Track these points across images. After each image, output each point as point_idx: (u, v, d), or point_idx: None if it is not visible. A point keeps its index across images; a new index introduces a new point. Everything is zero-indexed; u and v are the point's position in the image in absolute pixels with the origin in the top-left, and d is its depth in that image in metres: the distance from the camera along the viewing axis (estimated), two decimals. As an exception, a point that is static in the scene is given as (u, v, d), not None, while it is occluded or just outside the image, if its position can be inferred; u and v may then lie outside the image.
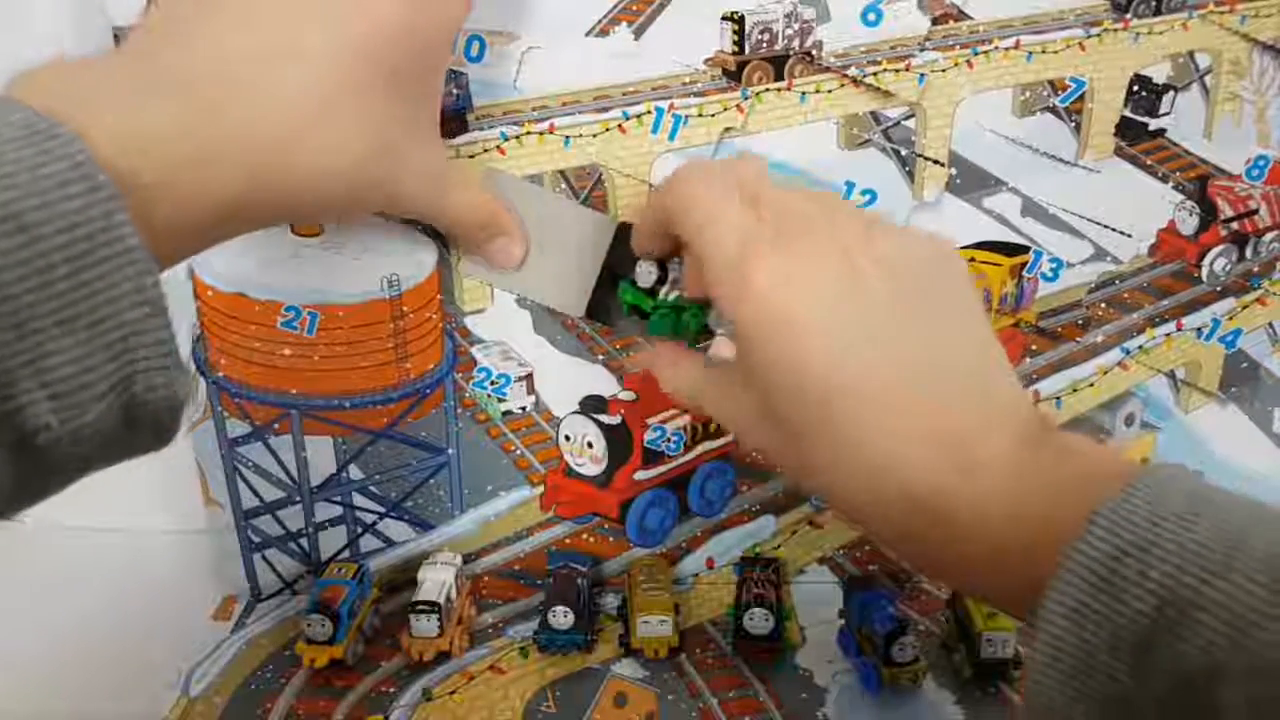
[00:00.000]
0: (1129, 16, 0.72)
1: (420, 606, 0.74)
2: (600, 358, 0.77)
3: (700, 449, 0.80)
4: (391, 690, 0.73)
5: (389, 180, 0.49)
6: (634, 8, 0.70)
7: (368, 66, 0.45)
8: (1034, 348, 0.79)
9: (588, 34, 0.70)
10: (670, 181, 0.52)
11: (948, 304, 0.46)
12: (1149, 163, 0.75)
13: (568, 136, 0.70)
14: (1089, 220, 0.76)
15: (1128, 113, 0.74)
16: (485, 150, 0.70)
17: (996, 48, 0.72)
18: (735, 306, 0.45)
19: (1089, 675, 0.37)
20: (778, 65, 0.71)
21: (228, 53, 0.42)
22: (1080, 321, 0.79)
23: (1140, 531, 0.36)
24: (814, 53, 0.71)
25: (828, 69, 0.71)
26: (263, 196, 0.43)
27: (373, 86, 0.45)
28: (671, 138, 0.71)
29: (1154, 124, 0.75)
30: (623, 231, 0.64)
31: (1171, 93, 0.74)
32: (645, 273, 0.57)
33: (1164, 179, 0.76)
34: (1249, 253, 0.78)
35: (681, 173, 0.52)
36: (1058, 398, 0.80)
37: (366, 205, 0.51)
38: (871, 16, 0.70)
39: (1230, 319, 0.79)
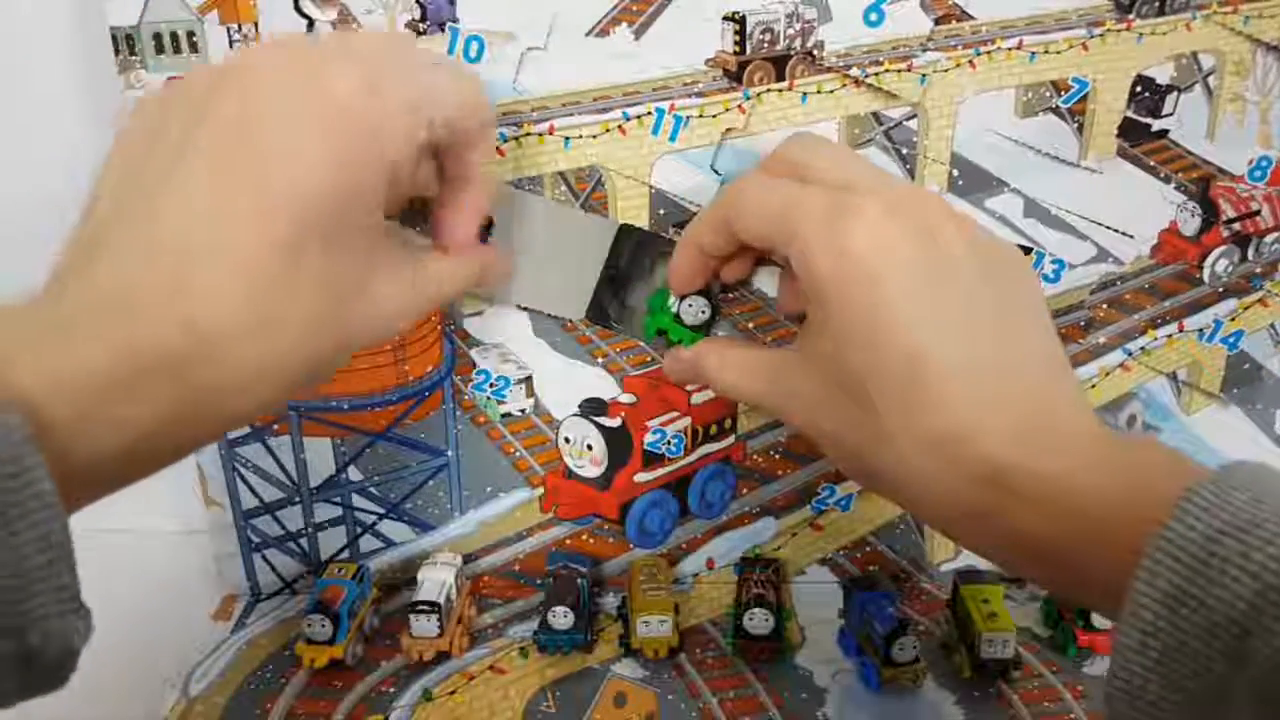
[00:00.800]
0: (1132, 17, 0.72)
1: (420, 606, 0.74)
2: (600, 360, 0.77)
3: (701, 451, 0.80)
4: (391, 690, 0.73)
5: (347, 335, 0.45)
6: (634, 8, 0.69)
7: (295, 238, 0.41)
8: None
9: (588, 34, 0.70)
10: (733, 194, 0.50)
11: (1025, 298, 0.46)
12: (1151, 163, 0.75)
13: (567, 137, 0.70)
14: (1091, 221, 0.76)
15: (1130, 113, 0.74)
16: (484, 151, 0.70)
17: (999, 48, 0.71)
18: (825, 262, 0.44)
19: (1181, 661, 0.35)
20: (779, 65, 0.71)
21: (138, 266, 0.39)
22: (1082, 323, 0.78)
23: (1240, 512, 0.35)
24: (816, 53, 0.71)
25: (830, 69, 0.71)
26: (196, 411, 0.39)
27: (304, 254, 0.41)
28: (672, 139, 0.71)
29: (1157, 125, 0.74)
30: (622, 233, 0.64)
31: (1175, 93, 0.74)
32: (696, 312, 0.56)
33: (1166, 180, 0.75)
34: (1251, 254, 0.78)
35: (742, 184, 0.50)
36: (1059, 398, 0.80)
37: (326, 374, 0.46)
38: (873, 16, 0.70)
39: (1232, 320, 0.79)
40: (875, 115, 0.73)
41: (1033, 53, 0.72)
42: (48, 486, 0.33)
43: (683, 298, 0.57)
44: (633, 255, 0.62)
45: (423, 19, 0.69)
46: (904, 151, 0.73)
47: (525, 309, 0.74)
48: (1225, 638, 0.34)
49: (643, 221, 0.72)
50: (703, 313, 0.56)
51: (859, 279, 0.43)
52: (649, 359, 0.77)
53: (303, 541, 0.82)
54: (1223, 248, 0.77)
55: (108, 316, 0.37)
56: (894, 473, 0.44)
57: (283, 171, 0.41)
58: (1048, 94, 0.73)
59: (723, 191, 0.51)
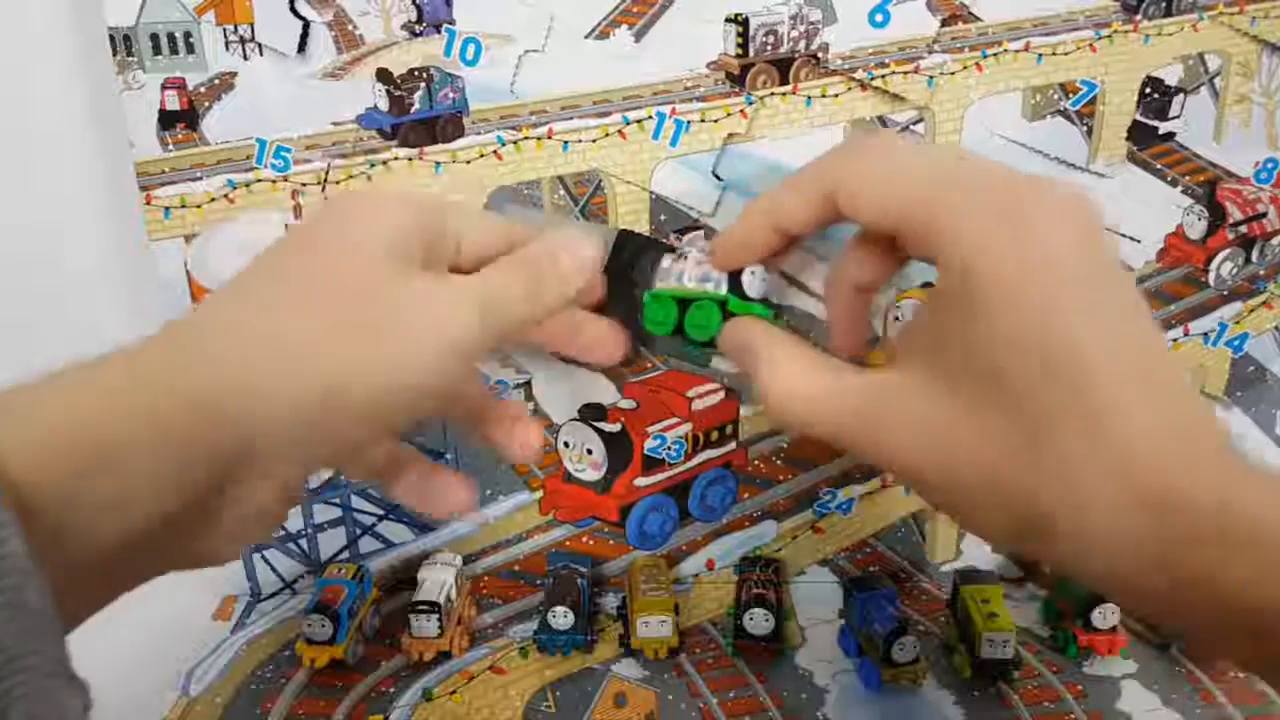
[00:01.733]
0: (1139, 18, 0.71)
1: (420, 606, 0.74)
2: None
3: (701, 457, 0.79)
4: (391, 690, 0.73)
5: (369, 362, 0.38)
6: (635, 9, 0.68)
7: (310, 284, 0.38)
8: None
9: (587, 36, 0.69)
10: (837, 161, 0.41)
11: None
12: (1158, 167, 0.75)
13: (566, 141, 0.69)
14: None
15: (1138, 116, 0.73)
16: (482, 155, 0.69)
17: (1006, 50, 0.71)
18: (998, 249, 0.35)
19: None
20: (783, 68, 0.70)
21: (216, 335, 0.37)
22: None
23: None
24: (820, 55, 0.70)
25: (834, 72, 0.70)
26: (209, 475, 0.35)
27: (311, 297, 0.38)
28: (673, 144, 0.70)
29: (1164, 127, 0.74)
30: (622, 239, 0.63)
31: (1181, 95, 0.73)
32: (759, 280, 0.45)
33: (1173, 183, 0.75)
34: (1255, 256, 0.78)
35: (852, 149, 0.41)
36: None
37: (352, 420, 0.38)
38: (879, 18, 0.69)
39: (1237, 323, 0.78)
40: (881, 119, 0.72)
41: (1040, 54, 0.71)
42: (17, 546, 0.29)
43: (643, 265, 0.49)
44: (633, 261, 0.62)
45: (419, 20, 0.68)
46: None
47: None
48: None
49: (642, 227, 0.71)
50: (764, 280, 0.45)
51: (1042, 269, 0.34)
52: (649, 365, 0.77)
53: (303, 541, 0.81)
54: (1228, 250, 0.77)
55: (125, 383, 0.34)
56: (1065, 518, 0.34)
57: (346, 230, 0.40)
58: (1056, 96, 0.73)
59: (814, 161, 0.41)
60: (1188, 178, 0.75)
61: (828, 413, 0.39)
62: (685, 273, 0.47)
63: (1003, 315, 0.35)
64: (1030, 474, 0.35)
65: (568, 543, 0.82)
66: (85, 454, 0.32)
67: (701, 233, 0.72)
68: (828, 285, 0.45)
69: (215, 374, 0.35)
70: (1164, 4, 0.71)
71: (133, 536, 0.33)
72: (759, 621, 0.74)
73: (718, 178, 0.71)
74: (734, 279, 0.46)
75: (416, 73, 0.69)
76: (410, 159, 0.69)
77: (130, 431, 0.33)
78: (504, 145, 0.69)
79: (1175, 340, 0.78)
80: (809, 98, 0.70)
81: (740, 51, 0.69)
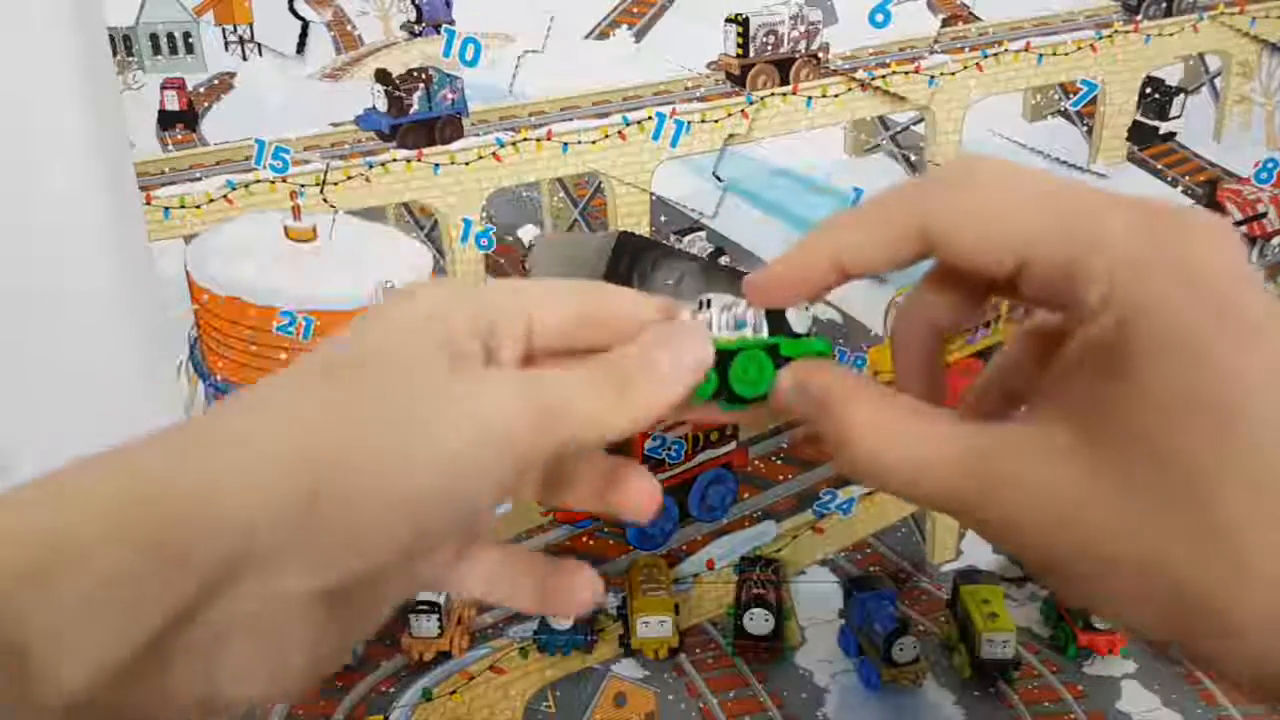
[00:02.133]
0: (1139, 18, 0.71)
1: (420, 606, 0.74)
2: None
3: (701, 457, 0.79)
4: (391, 690, 0.73)
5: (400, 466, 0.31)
6: (635, 10, 0.68)
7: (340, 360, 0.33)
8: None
9: (586, 37, 0.69)
10: (932, 190, 0.34)
11: None
12: (1159, 167, 0.74)
13: (566, 143, 0.69)
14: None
15: (1139, 116, 0.73)
16: (481, 157, 0.69)
17: (1006, 49, 0.71)
18: (1164, 304, 0.29)
19: None
20: (783, 68, 0.70)
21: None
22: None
23: None
24: (821, 55, 0.70)
25: (835, 72, 0.70)
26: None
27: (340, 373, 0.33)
28: (674, 145, 0.70)
29: (1164, 127, 0.73)
30: (623, 240, 0.63)
31: (1181, 95, 0.73)
32: (807, 315, 0.40)
33: (1174, 184, 0.75)
34: (1255, 256, 0.77)
35: (951, 178, 0.34)
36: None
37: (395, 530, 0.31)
38: (880, 17, 0.69)
39: (1237, 324, 0.78)
40: (881, 120, 0.72)
41: (1040, 54, 0.71)
42: None
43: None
44: (633, 263, 0.62)
45: (418, 20, 0.68)
46: (911, 157, 0.72)
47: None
48: None
49: (643, 229, 0.71)
50: (810, 314, 0.38)
51: (1219, 330, 0.29)
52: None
53: (302, 541, 0.81)
54: (1228, 251, 0.77)
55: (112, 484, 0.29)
56: (1241, 616, 0.29)
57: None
58: (1056, 96, 0.73)
59: (895, 193, 0.34)
60: (1188, 178, 0.75)
61: (935, 472, 0.32)
62: (712, 321, 0.38)
63: (1172, 379, 0.29)
64: (1201, 565, 0.29)
65: (568, 542, 0.82)
66: (28, 548, 0.27)
67: (704, 232, 0.72)
68: (895, 323, 0.39)
69: (179, 466, 0.30)
70: (1164, 4, 0.71)
71: (110, 664, 0.28)
72: (759, 621, 0.74)
73: (718, 179, 0.70)
74: (774, 316, 0.38)
75: (415, 73, 0.69)
76: (409, 160, 0.69)
77: (81, 521, 0.28)
78: (503, 147, 0.69)
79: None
80: (809, 98, 0.70)
81: (740, 52, 0.69)
